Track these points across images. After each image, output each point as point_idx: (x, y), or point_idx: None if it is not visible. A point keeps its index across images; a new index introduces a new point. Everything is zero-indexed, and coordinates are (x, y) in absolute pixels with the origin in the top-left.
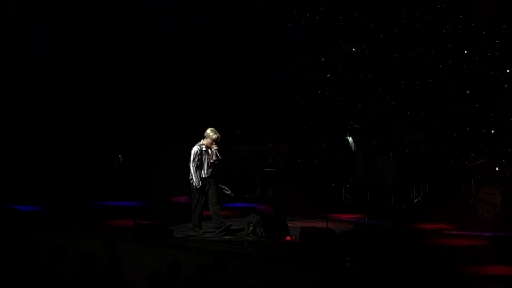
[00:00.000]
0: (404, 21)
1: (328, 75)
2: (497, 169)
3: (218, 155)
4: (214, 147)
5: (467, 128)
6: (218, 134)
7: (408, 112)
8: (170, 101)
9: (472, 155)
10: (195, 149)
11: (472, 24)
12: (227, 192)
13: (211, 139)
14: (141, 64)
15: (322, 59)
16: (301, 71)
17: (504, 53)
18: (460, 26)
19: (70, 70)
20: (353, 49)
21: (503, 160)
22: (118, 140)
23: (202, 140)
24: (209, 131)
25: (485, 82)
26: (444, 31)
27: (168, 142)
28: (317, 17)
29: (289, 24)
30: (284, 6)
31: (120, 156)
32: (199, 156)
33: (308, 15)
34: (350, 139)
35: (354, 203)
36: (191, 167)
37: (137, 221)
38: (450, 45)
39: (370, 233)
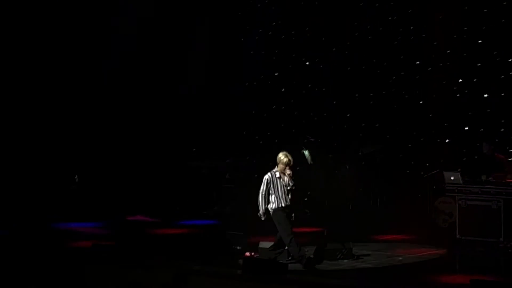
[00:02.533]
0: (356, 34)
1: (283, 89)
2: (452, 178)
3: (292, 180)
4: (288, 172)
5: (422, 139)
6: (290, 157)
7: (363, 124)
8: (124, 121)
9: (427, 165)
10: (266, 177)
11: (424, 35)
12: None
13: (282, 163)
14: (95, 84)
15: (276, 73)
16: (256, 86)
17: (456, 63)
18: (412, 37)
19: (25, 93)
20: None
21: (458, 170)
22: (74, 162)
23: (275, 167)
24: (280, 155)
25: (438, 92)
26: (395, 42)
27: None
28: (270, 32)
29: (242, 39)
30: (237, 22)
31: (76, 177)
32: (269, 185)
33: (260, 30)
34: (306, 152)
35: (312, 216)
36: (259, 196)
37: (95, 241)
38: (402, 56)
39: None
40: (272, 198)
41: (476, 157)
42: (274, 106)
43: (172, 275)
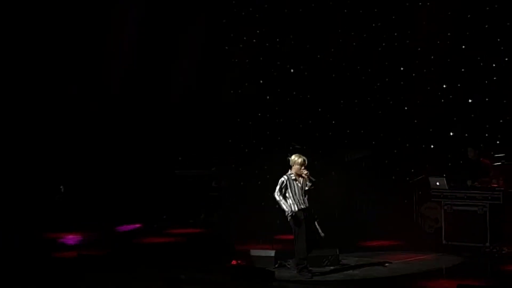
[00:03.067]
0: (341, 40)
1: (268, 97)
2: (438, 184)
3: (312, 178)
4: (304, 172)
5: (407, 144)
6: (304, 158)
7: (349, 131)
8: (110, 130)
9: (413, 171)
10: (282, 179)
11: (408, 41)
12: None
13: (298, 164)
14: (81, 93)
15: (261, 81)
16: (241, 94)
17: (440, 69)
18: (396, 44)
19: (7, 100)
20: None
21: (444, 175)
22: (60, 171)
23: (289, 170)
24: (293, 157)
25: (423, 98)
26: (380, 49)
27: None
28: (254, 40)
29: (227, 47)
30: (221, 30)
31: (61, 187)
32: (286, 188)
33: (245, 38)
34: None
35: None
36: (276, 197)
37: (81, 251)
38: (386, 63)
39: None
40: (289, 201)
41: (461, 162)
42: (259, 114)
43: (164, 284)
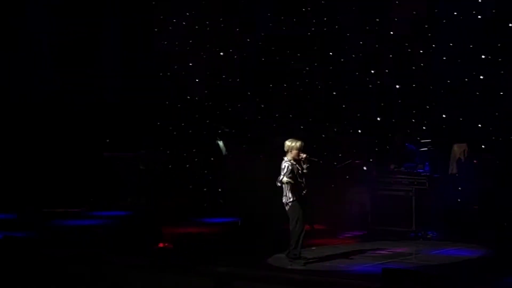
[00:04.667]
0: (271, 24)
1: (197, 80)
2: (364, 168)
3: (313, 158)
4: (303, 155)
5: (335, 129)
6: (301, 141)
7: (277, 115)
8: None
9: (340, 155)
10: (286, 164)
11: (336, 26)
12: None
13: (296, 149)
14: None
15: (191, 64)
16: (170, 77)
17: (368, 54)
18: (325, 28)
19: None
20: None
21: (370, 160)
22: None
23: (286, 157)
24: (288, 143)
25: (351, 83)
26: (309, 33)
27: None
28: (184, 23)
29: (156, 30)
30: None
31: None
32: (292, 173)
33: (174, 20)
34: (220, 143)
35: (227, 206)
36: (285, 180)
37: (6, 234)
38: (315, 48)
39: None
40: (291, 187)
41: (387, 147)
42: (188, 97)
43: (88, 268)
